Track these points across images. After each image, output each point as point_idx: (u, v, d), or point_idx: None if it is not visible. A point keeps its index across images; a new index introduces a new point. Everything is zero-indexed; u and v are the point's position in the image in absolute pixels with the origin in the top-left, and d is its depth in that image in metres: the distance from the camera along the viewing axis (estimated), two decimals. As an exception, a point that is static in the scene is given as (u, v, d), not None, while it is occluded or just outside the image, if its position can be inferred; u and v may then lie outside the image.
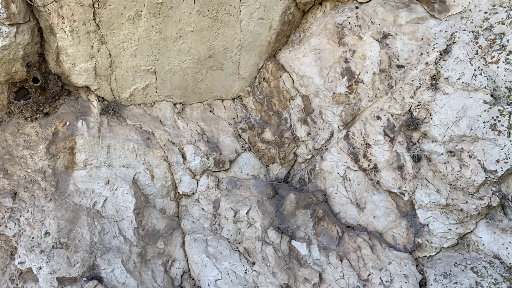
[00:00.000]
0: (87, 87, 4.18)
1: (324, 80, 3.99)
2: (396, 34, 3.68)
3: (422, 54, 3.54)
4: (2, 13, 3.46)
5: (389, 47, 3.69)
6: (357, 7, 3.98)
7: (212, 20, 3.98)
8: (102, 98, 4.29)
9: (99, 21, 3.76)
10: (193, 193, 4.19)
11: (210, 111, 4.58)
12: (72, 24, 3.71)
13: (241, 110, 4.57)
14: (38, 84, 3.88)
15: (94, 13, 3.70)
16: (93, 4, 3.63)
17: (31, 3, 3.53)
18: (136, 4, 3.70)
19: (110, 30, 3.83)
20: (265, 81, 4.46)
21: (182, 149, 4.23)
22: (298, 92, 4.26)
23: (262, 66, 4.48)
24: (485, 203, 3.27)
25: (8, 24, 3.53)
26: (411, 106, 3.58)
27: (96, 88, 4.17)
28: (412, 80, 3.55)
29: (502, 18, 3.33)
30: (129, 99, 4.36)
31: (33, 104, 3.95)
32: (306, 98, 4.20)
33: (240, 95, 4.64)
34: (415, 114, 3.57)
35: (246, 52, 4.31)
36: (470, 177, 3.30)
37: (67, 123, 4.02)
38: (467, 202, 3.34)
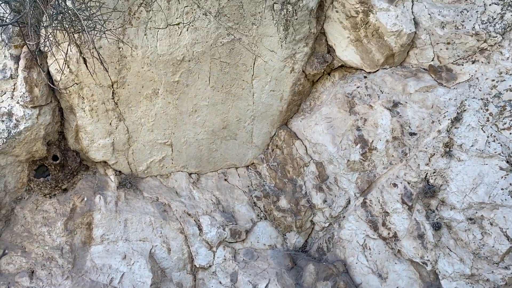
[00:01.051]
0: (105, 162, 4.27)
1: (337, 147, 4.05)
2: (406, 102, 3.77)
3: (433, 122, 3.60)
4: (26, 96, 3.62)
5: (400, 115, 3.76)
6: (365, 77, 4.11)
7: (225, 94, 4.12)
8: (119, 171, 4.36)
9: (118, 100, 3.91)
10: (210, 266, 4.13)
11: (225, 179, 4.62)
12: (91, 104, 3.85)
13: (255, 178, 4.60)
14: (58, 161, 3.98)
15: (113, 92, 3.85)
16: (112, 85, 3.79)
17: (53, 86, 3.69)
18: (153, 83, 3.86)
19: (128, 107, 3.97)
20: (278, 149, 4.52)
21: (198, 220, 4.22)
22: (312, 159, 4.30)
23: (275, 134, 4.57)
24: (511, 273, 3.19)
25: (31, 106, 3.69)
26: (427, 173, 3.59)
27: (114, 162, 4.26)
28: (426, 148, 3.59)
29: (510, 85, 3.40)
30: (145, 172, 4.43)
31: (52, 181, 4.03)
32: (320, 165, 4.24)
33: (253, 163, 4.70)
34: (431, 181, 3.57)
35: (259, 121, 4.42)
36: (493, 246, 3.24)
37: (85, 199, 4.07)
38: (492, 272, 3.25)
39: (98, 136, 4.05)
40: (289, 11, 3.81)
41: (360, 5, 3.86)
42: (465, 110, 3.47)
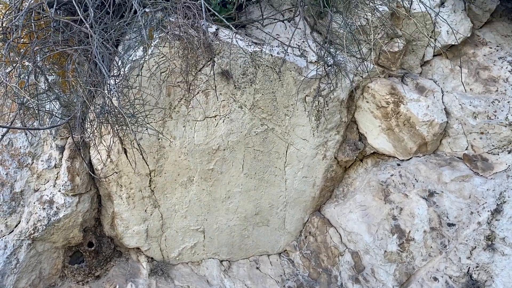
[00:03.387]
0: (138, 248, 4.29)
1: (374, 237, 3.95)
2: (442, 192, 3.71)
3: (472, 213, 3.50)
4: (68, 185, 3.77)
5: (436, 205, 3.69)
6: (398, 165, 4.10)
7: (258, 181, 4.17)
8: (152, 258, 4.35)
9: (154, 187, 4.01)
10: None
11: (257, 267, 4.52)
12: (129, 191, 3.96)
13: (288, 266, 4.49)
14: (93, 248, 4.02)
15: (150, 180, 3.96)
16: (150, 173, 3.92)
17: (94, 175, 3.85)
18: (189, 171, 3.96)
19: (163, 194, 4.06)
20: (312, 236, 4.45)
21: (230, 311, 4.09)
22: (347, 248, 4.20)
23: (308, 220, 4.52)
24: None
25: (71, 195, 3.82)
26: (469, 267, 3.43)
27: (147, 249, 4.26)
28: (466, 240, 3.46)
29: (551, 177, 3.33)
30: (177, 258, 4.40)
31: (86, 267, 4.05)
32: (355, 254, 4.12)
33: (286, 250, 4.61)
34: (474, 276, 3.40)
35: (291, 207, 4.40)
36: None
37: (117, 286, 4.04)
38: None
39: (133, 222, 4.11)
40: (320, 103, 3.95)
41: (390, 96, 3.97)
42: (505, 201, 3.38)
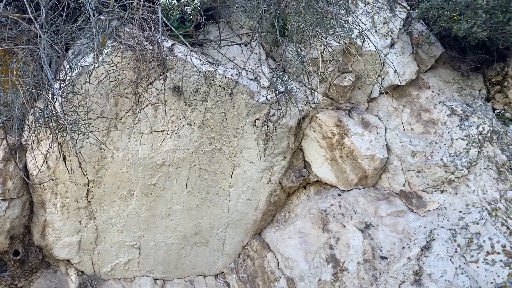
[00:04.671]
0: (68, 261, 4.09)
1: (309, 265, 3.99)
2: (378, 225, 3.83)
3: (403, 247, 3.63)
4: (-2, 188, 3.56)
5: (371, 237, 3.80)
6: (339, 195, 4.21)
7: (201, 200, 4.13)
8: (82, 272, 4.16)
9: (91, 198, 3.86)
10: None
11: (192, 288, 4.43)
12: (64, 200, 3.80)
13: (223, 289, 4.43)
14: (18, 257, 3.79)
15: (87, 191, 3.82)
16: (88, 183, 3.78)
17: (28, 181, 3.66)
18: (130, 184, 3.86)
19: (100, 206, 3.92)
20: (250, 259, 4.43)
21: (158, 333, 3.96)
22: (283, 274, 4.21)
23: (247, 243, 4.51)
24: None
25: (1, 199, 3.60)
26: (397, 301, 3.54)
27: (78, 262, 4.08)
28: (396, 274, 3.57)
29: (476, 218, 3.53)
30: (109, 274, 4.23)
31: (9, 277, 3.81)
32: (291, 281, 4.14)
33: (223, 272, 4.56)
34: (401, 309, 3.51)
35: (232, 229, 4.38)
36: None
37: (40, 300, 3.82)
38: None
39: (66, 233, 3.92)
40: (269, 128, 4.00)
41: (336, 128, 4.09)
42: (434, 239, 3.54)
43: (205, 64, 3.65)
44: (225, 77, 3.68)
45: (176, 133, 3.76)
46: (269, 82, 3.83)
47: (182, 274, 4.48)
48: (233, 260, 4.55)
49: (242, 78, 3.79)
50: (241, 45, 4.04)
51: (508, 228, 3.49)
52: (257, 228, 4.51)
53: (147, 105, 3.61)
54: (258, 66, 3.97)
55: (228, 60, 3.91)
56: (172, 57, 3.48)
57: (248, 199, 4.28)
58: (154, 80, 3.53)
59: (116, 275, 4.27)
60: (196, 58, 3.63)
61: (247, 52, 4.01)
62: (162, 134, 3.75)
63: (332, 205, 4.12)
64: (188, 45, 3.39)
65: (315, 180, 4.43)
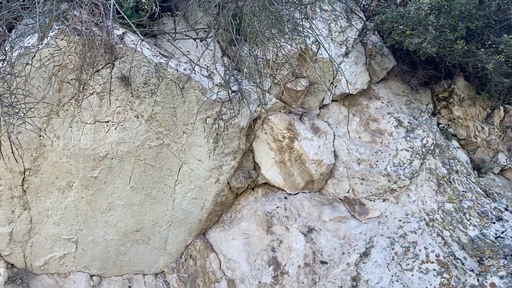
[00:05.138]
0: (-3, 252, 3.85)
1: (251, 266, 3.97)
2: (321, 229, 3.87)
3: (343, 253, 3.68)
4: None
5: (313, 241, 3.82)
6: (286, 198, 4.22)
7: (145, 196, 4.01)
8: (12, 264, 3.93)
9: (27, 188, 3.67)
10: None
11: (129, 286, 4.29)
12: (-4, 188, 3.58)
13: (163, 288, 4.32)
14: None
15: (23, 179, 3.62)
16: (24, 172, 3.58)
17: (-44, 164, 3.42)
18: (69, 175, 3.69)
19: (37, 197, 3.72)
20: (192, 259, 4.35)
21: (90, 331, 3.80)
22: (225, 275, 4.16)
23: (191, 243, 4.42)
24: None
25: None
26: (333, 305, 3.57)
27: (8, 254, 3.85)
28: (335, 279, 3.61)
29: (414, 228, 3.63)
30: (42, 268, 4.03)
31: None
32: (231, 282, 4.09)
33: (164, 271, 4.44)
34: (337, 314, 3.54)
35: (176, 228, 4.28)
36: None
37: (-39, 293, 3.57)
38: None
39: (-4, 223, 3.70)
40: (220, 126, 3.95)
41: (287, 131, 4.10)
42: (373, 246, 3.61)
43: (156, 56, 3.55)
44: (177, 71, 3.60)
45: (122, 125, 3.64)
46: (222, 80, 3.78)
47: (121, 272, 4.33)
48: (174, 259, 4.45)
49: (195, 73, 3.72)
50: (197, 40, 3.97)
51: (443, 238, 3.61)
52: (202, 227, 4.43)
53: (92, 94, 3.47)
54: (212, 63, 3.91)
55: (182, 54, 3.83)
56: (122, 46, 3.36)
57: (195, 198, 4.20)
58: (101, 68, 3.40)
59: (50, 269, 4.07)
60: (147, 49, 3.53)
61: (203, 48, 3.95)
62: (107, 125, 3.61)
63: (278, 207, 4.13)
64: (140, 34, 3.29)
65: (264, 182, 4.42)
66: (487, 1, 4.01)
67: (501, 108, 4.62)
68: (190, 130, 3.87)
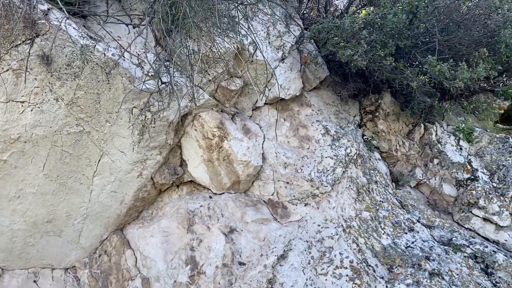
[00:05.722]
0: None
1: (168, 265, 3.84)
2: (242, 230, 3.84)
3: (262, 255, 3.68)
4: None
5: (234, 242, 3.79)
6: (210, 197, 4.15)
7: (59, 185, 3.76)
8: None
9: None
10: None
11: (34, 281, 3.99)
12: None
13: (71, 284, 4.07)
14: None
15: None
16: None
17: None
18: (-27, 156, 3.37)
19: None
20: (107, 255, 4.14)
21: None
22: (140, 273, 3.99)
23: (106, 238, 4.21)
24: None
25: None
26: (247, 307, 3.55)
27: None
28: (251, 281, 3.59)
29: (332, 233, 3.71)
30: None
31: None
32: (146, 281, 3.94)
33: (75, 266, 4.19)
34: (250, 316, 3.52)
35: (91, 222, 4.06)
36: None
37: None
38: None
39: None
40: (147, 118, 3.81)
41: (217, 130, 4.05)
42: (291, 249, 3.64)
43: (83, 38, 3.35)
44: (105, 55, 3.42)
45: (39, 107, 3.39)
46: (152, 70, 3.65)
47: (27, 265, 4.02)
48: (88, 254, 4.21)
49: (124, 60, 3.56)
50: (129, 26, 3.81)
51: (358, 245, 3.73)
52: (120, 223, 4.24)
53: (7, 70, 3.20)
54: (144, 52, 3.77)
55: (113, 39, 3.65)
56: (45, 22, 3.13)
57: (114, 191, 4.01)
58: (20, 43, 3.14)
59: None
60: (74, 28, 3.32)
61: (135, 35, 3.79)
62: (22, 106, 3.35)
63: (201, 206, 4.05)
64: (66, 12, 3.09)
65: (190, 180, 4.33)
66: (416, 23, 4.24)
67: (422, 125, 4.89)
68: (114, 119, 3.69)
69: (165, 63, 3.68)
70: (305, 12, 5.20)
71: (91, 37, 3.43)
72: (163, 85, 3.67)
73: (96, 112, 3.59)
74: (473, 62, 4.23)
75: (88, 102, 3.52)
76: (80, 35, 3.34)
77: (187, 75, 3.85)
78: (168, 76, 3.68)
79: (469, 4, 4.34)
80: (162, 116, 3.86)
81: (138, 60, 3.71)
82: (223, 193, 4.19)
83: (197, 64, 3.51)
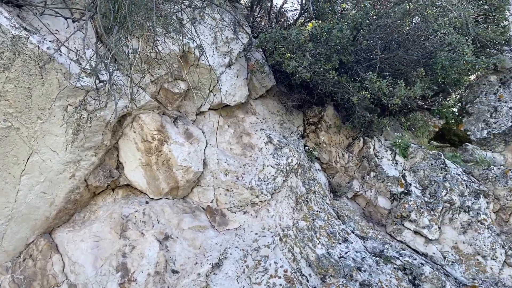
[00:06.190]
0: None
1: (97, 271, 3.67)
2: (177, 238, 3.75)
3: (196, 263, 3.60)
4: None
5: (168, 249, 3.68)
6: (147, 202, 4.02)
7: (-19, 183, 3.50)
8: None
9: None
10: None
11: None
12: None
13: (-10, 291, 3.78)
14: None
15: None
16: None
17: None
18: None
19: None
20: (32, 259, 3.89)
21: None
22: (67, 279, 3.78)
23: (33, 242, 3.96)
24: None
25: None
26: (178, 316, 3.45)
27: None
28: (183, 289, 3.51)
29: (268, 242, 3.71)
30: None
31: None
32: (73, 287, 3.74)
33: (-5, 271, 3.90)
34: (181, 326, 3.43)
35: (17, 224, 3.80)
36: None
37: None
38: None
39: None
40: (83, 117, 3.64)
41: (158, 133, 3.94)
42: (227, 257, 3.60)
43: (16, 28, 3.15)
44: (39, 48, 3.23)
45: (-39, 99, 3.14)
46: (90, 67, 3.49)
47: None
48: (11, 258, 3.94)
49: (61, 55, 3.38)
50: (69, 20, 3.63)
51: (293, 254, 3.75)
52: (49, 226, 4.01)
53: None
54: (84, 48, 3.60)
55: (50, 32, 3.46)
56: (-29, 7, 2.91)
57: (43, 192, 3.78)
58: None
59: None
60: (6, 17, 3.11)
61: (75, 29, 3.62)
62: None
63: (136, 211, 3.91)
64: (-4, -1, 2.88)
65: (126, 183, 4.18)
66: (360, 39, 4.37)
67: (361, 139, 5.04)
68: (46, 116, 3.49)
69: (105, 61, 3.53)
70: (255, 20, 5.22)
71: (25, 28, 3.23)
72: (101, 84, 3.52)
73: (27, 107, 3.38)
74: (411, 81, 4.42)
75: (18, 96, 3.31)
76: (12, 25, 3.13)
77: (127, 74, 3.72)
78: (108, 74, 3.54)
79: (410, 26, 4.54)
80: (99, 115, 3.70)
81: (76, 56, 3.54)
82: (160, 198, 4.07)
83: (134, 63, 3.40)
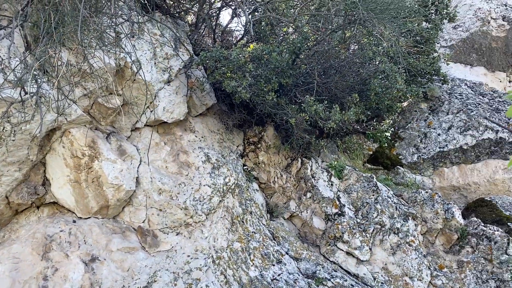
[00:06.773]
0: None
1: (14, 297, 3.40)
2: (105, 259, 3.57)
3: (124, 286, 3.44)
4: None
5: (94, 272, 3.50)
6: (74, 221, 3.82)
7: None
8: None
9: None
10: None
11: None
12: None
13: None
14: None
15: None
16: None
17: None
18: None
19: None
20: None
21: None
22: (-22, 306, 3.48)
23: None
24: None
25: None
26: None
27: None
28: (108, 315, 3.33)
29: (201, 265, 3.63)
30: None
31: None
32: (-15, 315, 3.43)
33: None
34: None
35: None
36: None
37: None
38: None
39: None
40: (6, 130, 3.41)
41: (88, 149, 3.78)
42: (156, 281, 3.47)
43: None
44: (-44, 55, 3.00)
45: None
46: (15, 78, 3.29)
47: None
48: None
49: (-19, 63, 3.16)
50: (-6, 27, 3.42)
51: (226, 277, 3.69)
52: (-38, 246, 3.68)
53: None
54: (10, 57, 3.40)
55: (-29, 38, 3.24)
56: None
57: (-43, 209, 3.48)
58: None
59: None
60: None
61: (1, 37, 3.41)
62: None
63: (61, 231, 3.69)
64: None
65: (53, 201, 3.94)
66: (299, 63, 4.47)
67: (299, 160, 5.12)
68: (-37, 128, 3.24)
69: (33, 72, 3.34)
70: (197, 38, 5.19)
71: None
72: (27, 95, 3.32)
73: None
74: (347, 106, 4.57)
75: None
76: None
77: (58, 87, 3.55)
78: (36, 86, 3.35)
79: (346, 53, 4.71)
80: (25, 129, 3.49)
81: (1, 65, 3.33)
82: (89, 217, 3.88)
83: (60, 75, 3.25)
